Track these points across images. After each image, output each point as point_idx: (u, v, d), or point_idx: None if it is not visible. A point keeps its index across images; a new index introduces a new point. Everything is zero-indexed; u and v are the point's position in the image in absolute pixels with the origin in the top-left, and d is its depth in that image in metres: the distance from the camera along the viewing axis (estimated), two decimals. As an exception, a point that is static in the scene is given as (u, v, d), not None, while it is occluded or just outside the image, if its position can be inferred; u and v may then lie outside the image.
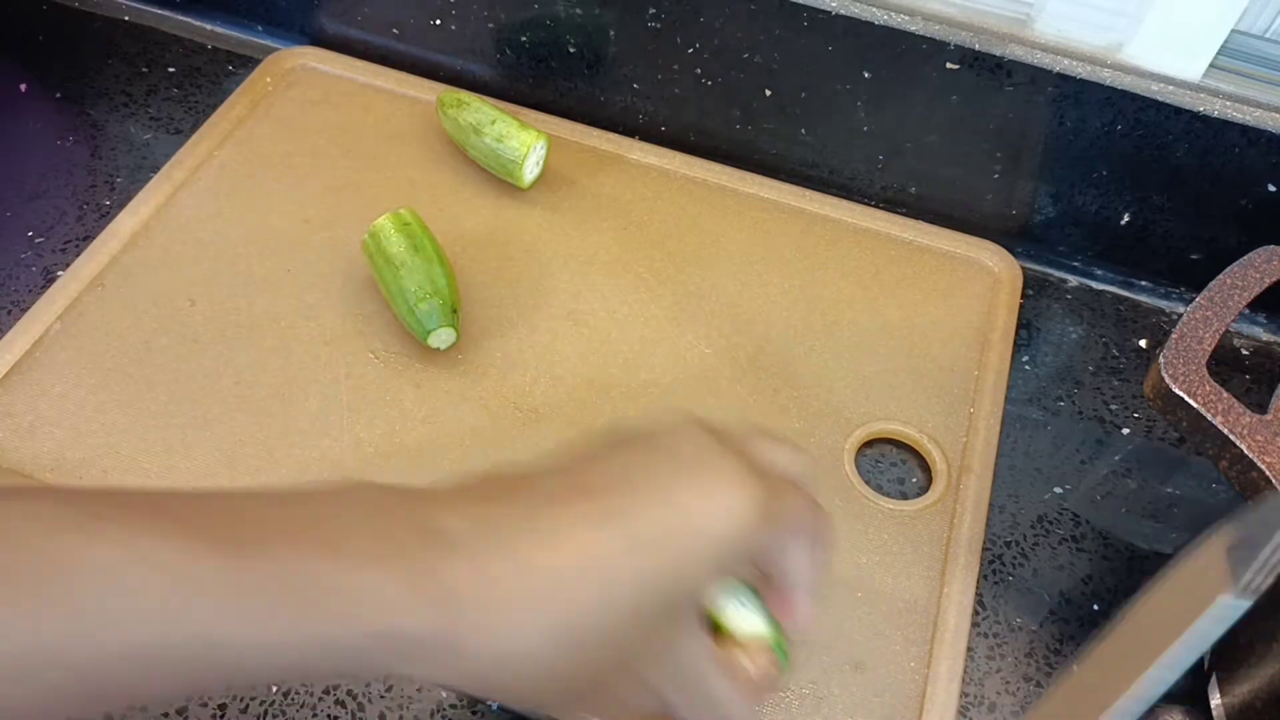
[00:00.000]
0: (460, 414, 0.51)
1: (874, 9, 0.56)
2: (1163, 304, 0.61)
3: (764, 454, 0.35)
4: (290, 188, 0.60)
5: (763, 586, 0.36)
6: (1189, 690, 0.47)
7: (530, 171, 0.60)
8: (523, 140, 0.58)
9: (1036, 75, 0.55)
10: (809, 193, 0.62)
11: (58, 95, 0.65)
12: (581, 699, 0.33)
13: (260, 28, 0.70)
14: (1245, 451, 0.39)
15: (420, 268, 0.52)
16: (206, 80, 0.67)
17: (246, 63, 0.67)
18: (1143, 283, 0.62)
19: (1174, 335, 0.42)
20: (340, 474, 0.49)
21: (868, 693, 0.44)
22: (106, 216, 0.58)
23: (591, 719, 0.34)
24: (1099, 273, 0.62)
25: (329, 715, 0.43)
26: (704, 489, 0.32)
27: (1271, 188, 0.55)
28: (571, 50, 0.63)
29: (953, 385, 0.54)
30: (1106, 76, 0.54)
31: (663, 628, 0.32)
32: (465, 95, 0.60)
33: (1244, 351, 0.60)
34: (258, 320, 0.54)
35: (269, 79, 0.65)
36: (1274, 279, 0.45)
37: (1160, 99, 0.54)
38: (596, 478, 0.33)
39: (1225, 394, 0.41)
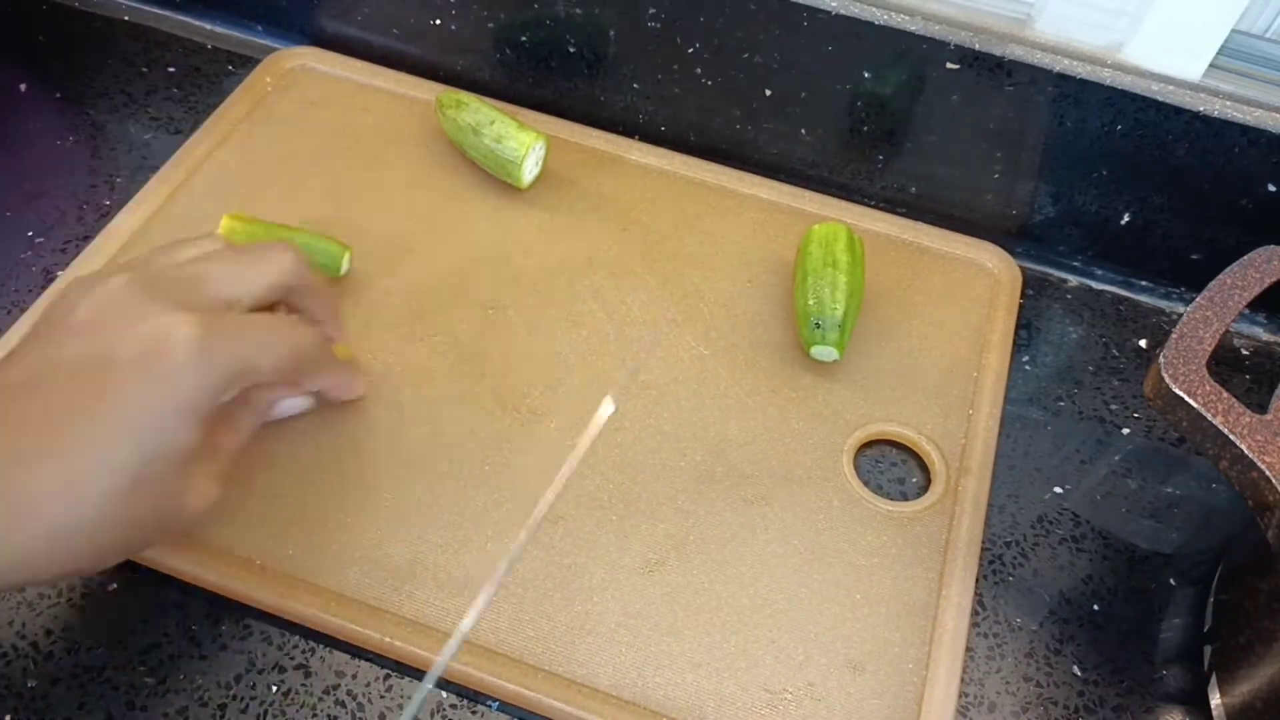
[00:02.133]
0: (459, 414, 0.51)
1: (874, 9, 0.56)
2: (1163, 304, 0.61)
3: (186, 274, 0.40)
4: (289, 188, 0.60)
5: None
6: (1188, 689, 0.47)
7: (529, 172, 0.59)
8: (521, 141, 0.58)
9: (1036, 75, 0.55)
10: (809, 193, 0.62)
11: (58, 95, 0.65)
12: (107, 557, 0.38)
13: (260, 28, 0.70)
14: (1245, 451, 0.39)
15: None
16: (206, 80, 0.67)
17: (246, 63, 0.67)
18: (1143, 283, 0.62)
19: (1174, 335, 0.42)
20: (337, 477, 0.49)
21: (866, 694, 0.44)
22: (106, 216, 0.58)
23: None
24: (1099, 273, 0.62)
25: (329, 715, 0.43)
26: (136, 372, 0.36)
27: (1271, 188, 0.55)
28: (571, 50, 0.63)
29: (952, 386, 0.54)
30: (1106, 76, 0.54)
31: (169, 475, 0.37)
32: (464, 96, 0.60)
33: (1244, 351, 0.60)
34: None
35: (269, 79, 0.65)
36: (1274, 279, 0.45)
37: (1160, 99, 0.54)
38: (46, 399, 0.36)
39: (1225, 394, 0.41)
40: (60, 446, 0.35)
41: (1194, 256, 0.60)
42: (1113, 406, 0.56)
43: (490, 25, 0.64)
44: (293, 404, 0.49)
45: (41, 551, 0.35)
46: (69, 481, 0.35)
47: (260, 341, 0.40)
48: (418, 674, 0.44)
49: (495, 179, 0.61)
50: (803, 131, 0.62)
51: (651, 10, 0.59)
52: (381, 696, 0.44)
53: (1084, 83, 0.54)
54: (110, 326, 0.37)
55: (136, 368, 0.36)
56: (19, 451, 0.35)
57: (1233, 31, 0.52)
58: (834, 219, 0.61)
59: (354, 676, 0.44)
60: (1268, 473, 0.39)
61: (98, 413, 0.35)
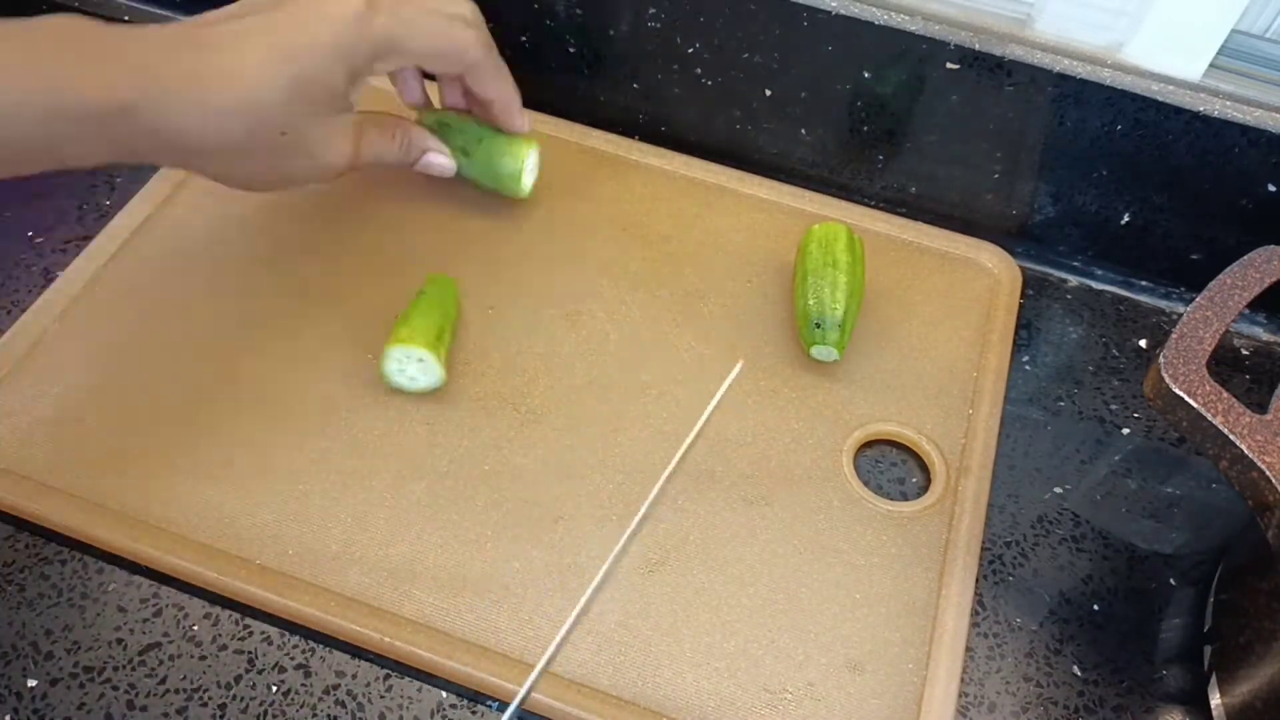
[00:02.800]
0: (459, 414, 0.51)
1: (874, 9, 0.56)
2: (1163, 304, 0.61)
3: None
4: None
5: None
6: (1188, 689, 0.47)
7: (528, 181, 0.59)
8: (515, 154, 0.57)
9: (1036, 75, 0.55)
10: (809, 193, 0.62)
11: (57, 95, 0.65)
12: (258, 171, 0.46)
13: (260, 28, 0.69)
14: (1245, 451, 0.39)
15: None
16: (206, 80, 0.67)
17: (246, 63, 0.67)
18: (1143, 283, 0.62)
19: (1174, 335, 0.42)
20: (337, 478, 0.49)
21: (866, 694, 0.44)
22: (106, 216, 0.58)
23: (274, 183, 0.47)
24: (1099, 273, 0.62)
25: (329, 715, 0.43)
26: (309, 11, 0.44)
27: (1271, 188, 0.55)
28: (571, 50, 0.63)
29: (952, 386, 0.54)
30: (1106, 76, 0.54)
31: (319, 100, 0.45)
32: (446, 115, 0.58)
33: (1244, 351, 0.60)
34: (257, 321, 0.54)
35: (269, 79, 0.65)
36: (1274, 279, 0.45)
37: (1160, 99, 0.54)
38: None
39: (1225, 394, 0.41)
40: (241, 44, 0.43)
41: (1194, 256, 0.60)
42: (1113, 406, 0.56)
43: (491, 25, 0.63)
44: (439, 162, 0.55)
45: (228, 115, 0.43)
46: (246, 67, 0.43)
47: (420, 26, 0.48)
48: (418, 674, 0.44)
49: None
50: (803, 131, 0.62)
51: (651, 10, 0.59)
52: (381, 696, 0.44)
53: (1084, 83, 0.54)
54: None
55: (316, 12, 0.45)
56: (215, 42, 0.43)
57: (1233, 31, 0.52)
58: (834, 219, 0.61)
59: (354, 676, 0.44)
60: (1268, 473, 0.39)
61: (273, 28, 0.44)
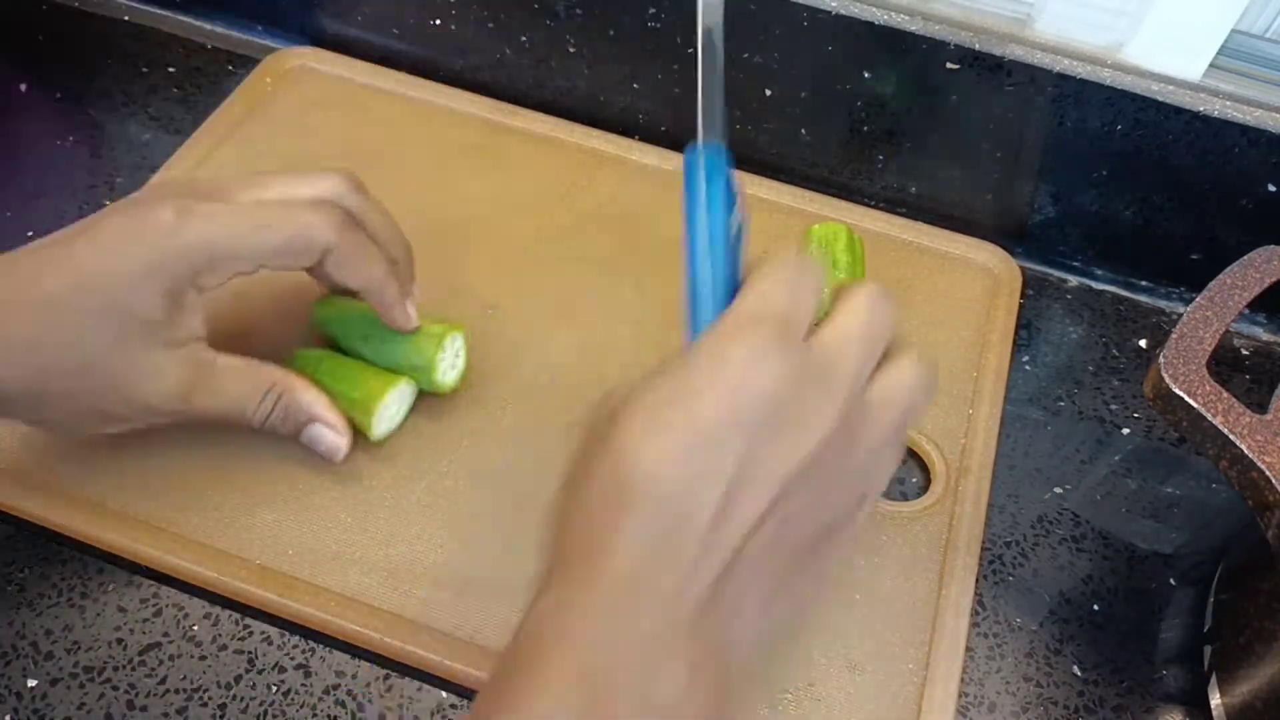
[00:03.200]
0: (457, 414, 0.51)
1: (874, 9, 0.56)
2: (1163, 304, 0.61)
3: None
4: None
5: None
6: (1188, 690, 0.47)
7: (448, 373, 0.50)
8: (418, 345, 0.48)
9: (1036, 75, 0.55)
10: (808, 193, 0.62)
11: (58, 95, 0.65)
12: (66, 414, 0.42)
13: (260, 28, 0.70)
14: (1245, 451, 0.39)
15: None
16: (206, 80, 0.67)
17: (246, 63, 0.67)
18: (1143, 283, 0.62)
19: (1174, 335, 0.42)
20: (337, 478, 0.49)
21: (865, 694, 0.44)
22: (106, 216, 0.58)
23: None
24: (1099, 273, 0.62)
25: (329, 715, 0.43)
26: (116, 234, 0.40)
27: (1271, 188, 0.55)
28: (571, 50, 0.63)
29: (952, 386, 0.54)
30: (1106, 76, 0.54)
31: (128, 332, 0.40)
32: (338, 302, 0.50)
33: (1244, 351, 0.60)
34: (257, 320, 0.54)
35: (268, 79, 0.65)
36: (1274, 279, 0.45)
37: (1160, 99, 0.54)
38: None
39: (1225, 394, 0.41)
40: (38, 275, 0.40)
41: (1194, 256, 0.60)
42: (1113, 406, 0.56)
43: (490, 25, 0.64)
44: (327, 440, 0.46)
45: (18, 351, 0.39)
46: (41, 299, 0.39)
47: (245, 223, 0.41)
48: (418, 674, 0.44)
49: (493, 181, 0.61)
50: (803, 131, 0.62)
51: (651, 10, 0.59)
52: (381, 696, 0.44)
53: (1084, 83, 0.54)
54: (110, 212, 0.42)
55: (118, 230, 0.40)
56: (14, 273, 0.40)
57: (1233, 31, 0.52)
58: (834, 219, 0.61)
59: (354, 676, 0.44)
60: (1268, 473, 0.39)
61: (72, 254, 0.40)
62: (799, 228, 0.60)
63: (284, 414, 0.45)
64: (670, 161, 0.63)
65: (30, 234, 0.58)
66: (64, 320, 0.40)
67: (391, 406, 0.48)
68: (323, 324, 0.50)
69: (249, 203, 0.42)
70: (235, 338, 0.46)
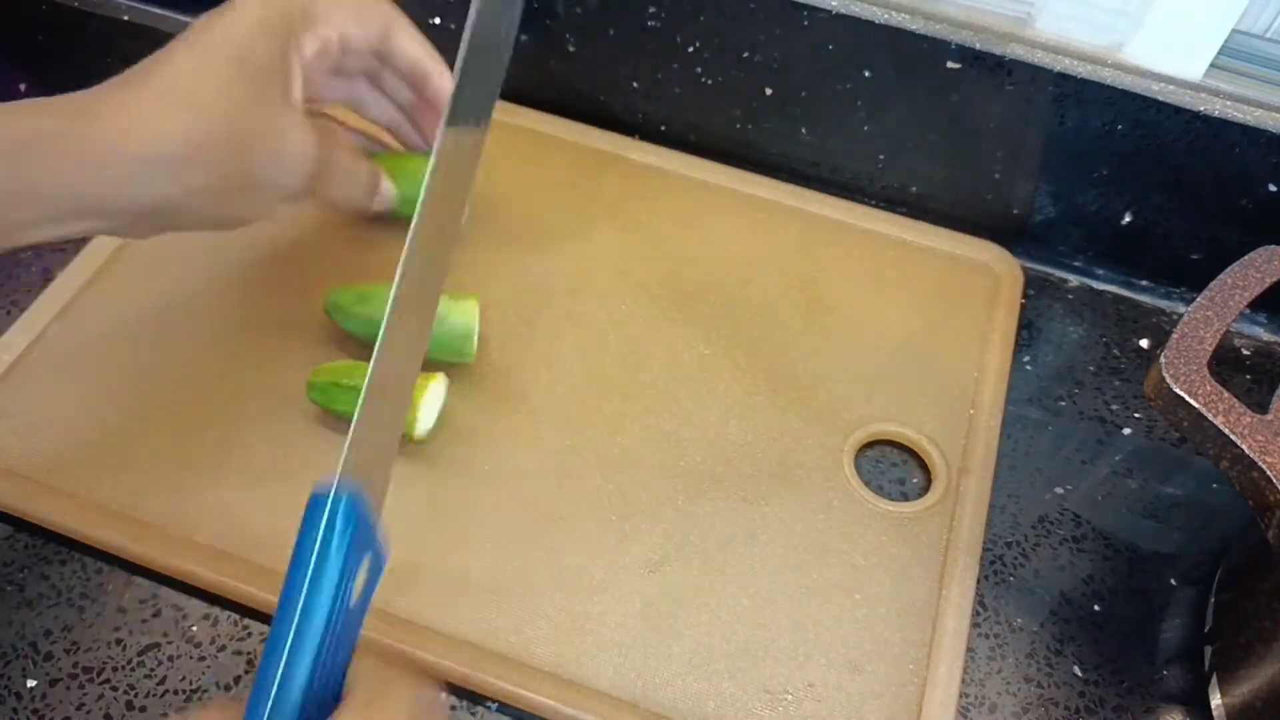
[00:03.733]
0: (458, 414, 0.51)
1: (875, 8, 0.55)
2: (1163, 304, 0.61)
3: None
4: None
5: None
6: (1189, 690, 0.46)
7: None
8: (455, 320, 0.51)
9: (1037, 74, 0.55)
10: (809, 193, 0.62)
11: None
12: (222, 186, 0.43)
13: (260, 27, 0.69)
14: (1246, 451, 0.39)
15: None
16: (206, 80, 0.67)
17: (246, 62, 0.67)
18: (1143, 283, 0.62)
19: (1175, 335, 0.42)
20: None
21: (866, 694, 0.44)
22: (106, 216, 0.58)
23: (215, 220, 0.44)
24: (1100, 273, 0.62)
25: (328, 716, 0.43)
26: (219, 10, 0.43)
27: (1272, 187, 0.55)
28: (572, 50, 0.63)
29: (952, 386, 0.54)
30: (1107, 76, 0.54)
31: (259, 81, 0.43)
32: (352, 291, 0.52)
33: (1245, 352, 0.60)
34: (257, 320, 0.54)
35: (269, 79, 0.65)
36: (1275, 279, 0.45)
37: (1161, 99, 0.54)
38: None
39: (1226, 394, 0.41)
40: (167, 54, 0.42)
41: (1194, 256, 0.60)
42: (1114, 406, 0.56)
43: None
44: (388, 189, 0.52)
45: (173, 115, 0.41)
46: (178, 65, 0.42)
47: (335, 7, 0.46)
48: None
49: (492, 181, 0.61)
50: (803, 131, 0.62)
51: (651, 10, 0.59)
52: (381, 697, 0.44)
53: (1084, 82, 0.54)
54: None
55: (214, 13, 0.44)
56: (141, 67, 0.42)
57: (1233, 31, 0.52)
58: (834, 219, 0.61)
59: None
60: (1268, 473, 0.39)
61: (189, 32, 0.43)
62: (799, 227, 0.60)
63: (371, 175, 0.51)
64: (670, 161, 0.63)
65: (30, 234, 0.58)
66: (206, 74, 0.42)
67: (432, 402, 0.49)
68: (339, 315, 0.51)
69: None
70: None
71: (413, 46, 0.50)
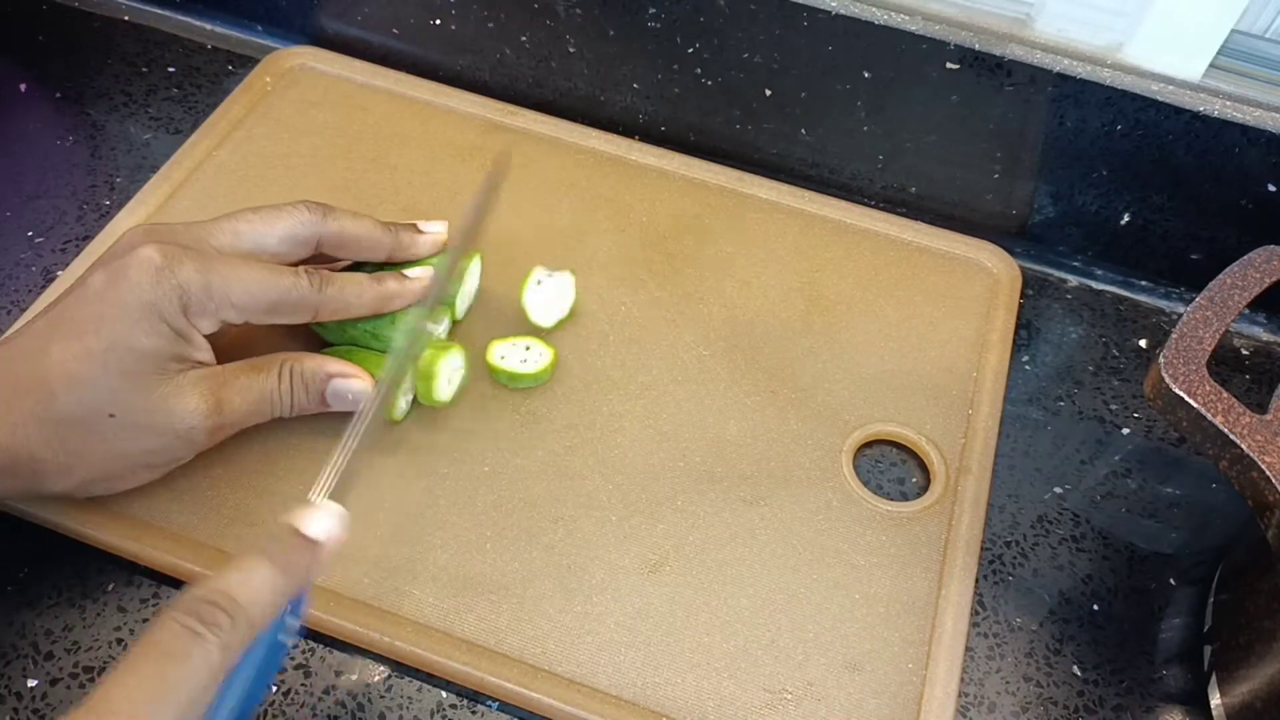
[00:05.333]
0: (458, 415, 0.51)
1: (874, 9, 0.55)
2: (1163, 304, 0.61)
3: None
4: (288, 188, 0.60)
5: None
6: (1188, 690, 0.47)
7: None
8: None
9: (1036, 75, 0.55)
10: (808, 193, 0.62)
11: (57, 95, 0.65)
12: (107, 465, 0.42)
13: (260, 27, 0.70)
14: (1246, 451, 0.39)
15: None
16: (206, 80, 0.67)
17: (246, 62, 0.67)
18: (1143, 283, 0.62)
19: (1174, 335, 0.42)
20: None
21: (865, 694, 0.44)
22: (106, 216, 0.58)
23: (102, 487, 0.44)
24: (1099, 272, 0.62)
25: (329, 715, 0.43)
26: (104, 286, 0.41)
27: (1271, 187, 0.55)
28: (571, 50, 0.63)
29: (951, 387, 0.54)
30: (1106, 76, 0.54)
31: (140, 368, 0.41)
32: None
33: (1244, 351, 0.60)
34: (244, 326, 0.54)
35: (268, 79, 0.65)
36: (1274, 279, 0.45)
37: (1160, 99, 0.54)
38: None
39: (1225, 394, 0.41)
40: (40, 343, 0.41)
41: (1194, 256, 0.60)
42: (1113, 406, 0.56)
43: (490, 25, 0.64)
44: (347, 388, 0.47)
45: (45, 419, 0.40)
46: (50, 363, 0.40)
47: (232, 274, 0.43)
48: (418, 674, 0.44)
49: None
50: (803, 131, 0.62)
51: (651, 10, 0.59)
52: (381, 696, 0.44)
53: (1084, 82, 0.54)
54: (92, 269, 0.43)
55: (104, 284, 0.41)
56: (11, 354, 0.41)
57: (1233, 31, 0.52)
58: (833, 219, 0.61)
59: (354, 676, 0.44)
60: (1268, 472, 0.39)
61: (65, 313, 0.41)
62: (798, 228, 0.60)
63: (303, 383, 0.46)
64: (670, 161, 0.63)
65: (30, 234, 0.58)
66: (78, 373, 0.40)
67: (449, 368, 0.50)
68: (318, 326, 0.51)
69: (230, 257, 0.44)
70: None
71: (347, 314, 0.47)
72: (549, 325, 0.54)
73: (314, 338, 0.51)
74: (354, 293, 0.47)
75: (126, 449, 0.42)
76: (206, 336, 0.44)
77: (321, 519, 0.38)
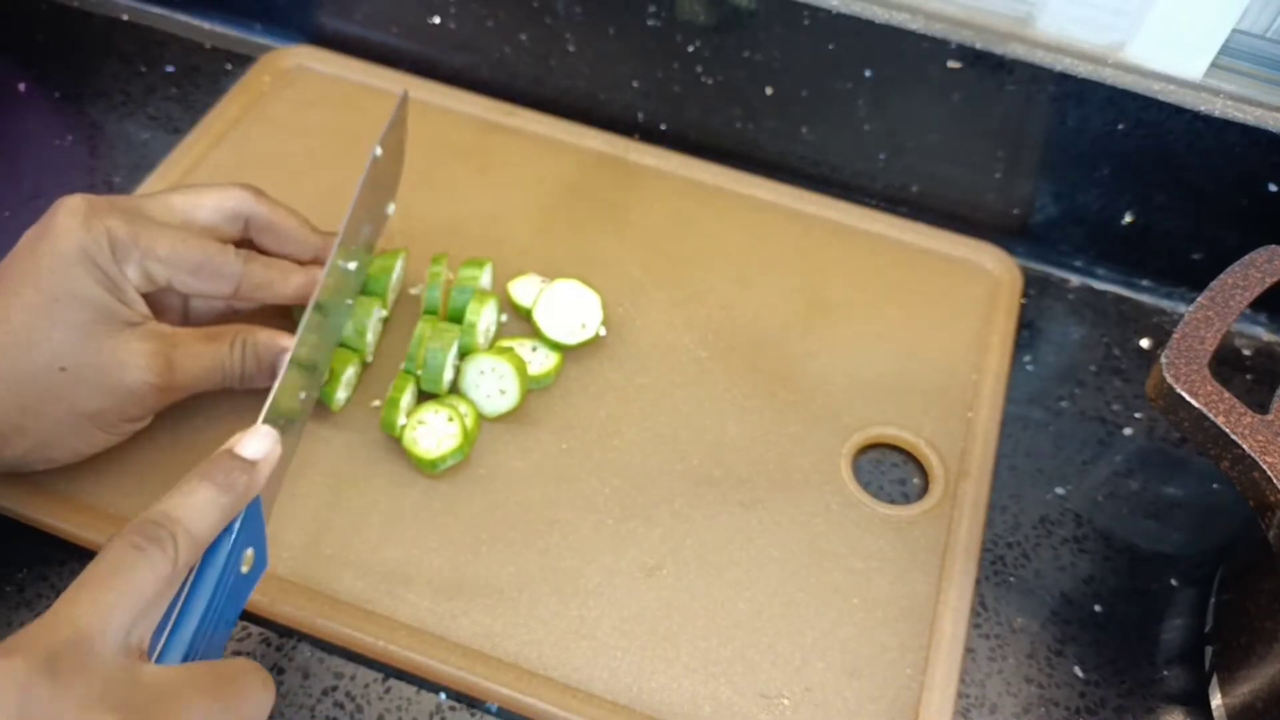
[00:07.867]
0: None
1: (875, 7, 0.55)
2: (1164, 304, 0.61)
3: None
4: (284, 188, 0.59)
5: None
6: (1189, 690, 0.46)
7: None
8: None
9: (1038, 74, 0.54)
10: (808, 194, 0.62)
11: (56, 95, 0.65)
12: (59, 427, 0.42)
13: (259, 26, 0.69)
14: (1247, 451, 0.39)
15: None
16: (205, 79, 0.67)
17: (245, 62, 0.67)
18: (1144, 282, 0.61)
19: (1176, 335, 0.42)
20: (332, 482, 0.48)
21: (862, 700, 0.44)
22: (104, 217, 0.58)
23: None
24: (1101, 272, 0.62)
25: (327, 717, 0.43)
26: (32, 240, 0.42)
27: (1272, 187, 0.55)
28: (571, 49, 0.63)
29: (951, 389, 0.54)
30: (1108, 75, 0.54)
31: (83, 318, 0.41)
32: None
33: (1245, 352, 0.59)
34: (251, 318, 0.54)
35: (267, 78, 0.65)
36: (1275, 279, 0.45)
37: (1161, 98, 0.53)
38: None
39: (1227, 394, 0.40)
40: None
41: (1195, 256, 0.59)
42: (1115, 407, 0.56)
43: (490, 24, 0.63)
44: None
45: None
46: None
47: (159, 230, 0.44)
48: (415, 678, 0.44)
49: (492, 181, 0.61)
50: (803, 131, 0.62)
51: (651, 9, 0.59)
52: (380, 698, 0.43)
53: (1085, 82, 0.54)
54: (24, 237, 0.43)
55: (35, 237, 0.42)
56: None
57: (1233, 31, 0.52)
58: (834, 219, 0.61)
59: (352, 678, 0.44)
60: (1269, 473, 0.38)
61: (4, 277, 0.42)
62: (799, 228, 0.60)
63: (255, 355, 0.46)
64: (670, 161, 0.63)
65: (28, 234, 0.58)
66: (23, 327, 0.41)
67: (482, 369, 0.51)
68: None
69: (160, 223, 0.44)
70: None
71: (271, 296, 0.48)
72: (572, 343, 0.53)
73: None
74: (278, 273, 0.47)
75: (79, 405, 0.42)
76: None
77: (256, 441, 0.40)
